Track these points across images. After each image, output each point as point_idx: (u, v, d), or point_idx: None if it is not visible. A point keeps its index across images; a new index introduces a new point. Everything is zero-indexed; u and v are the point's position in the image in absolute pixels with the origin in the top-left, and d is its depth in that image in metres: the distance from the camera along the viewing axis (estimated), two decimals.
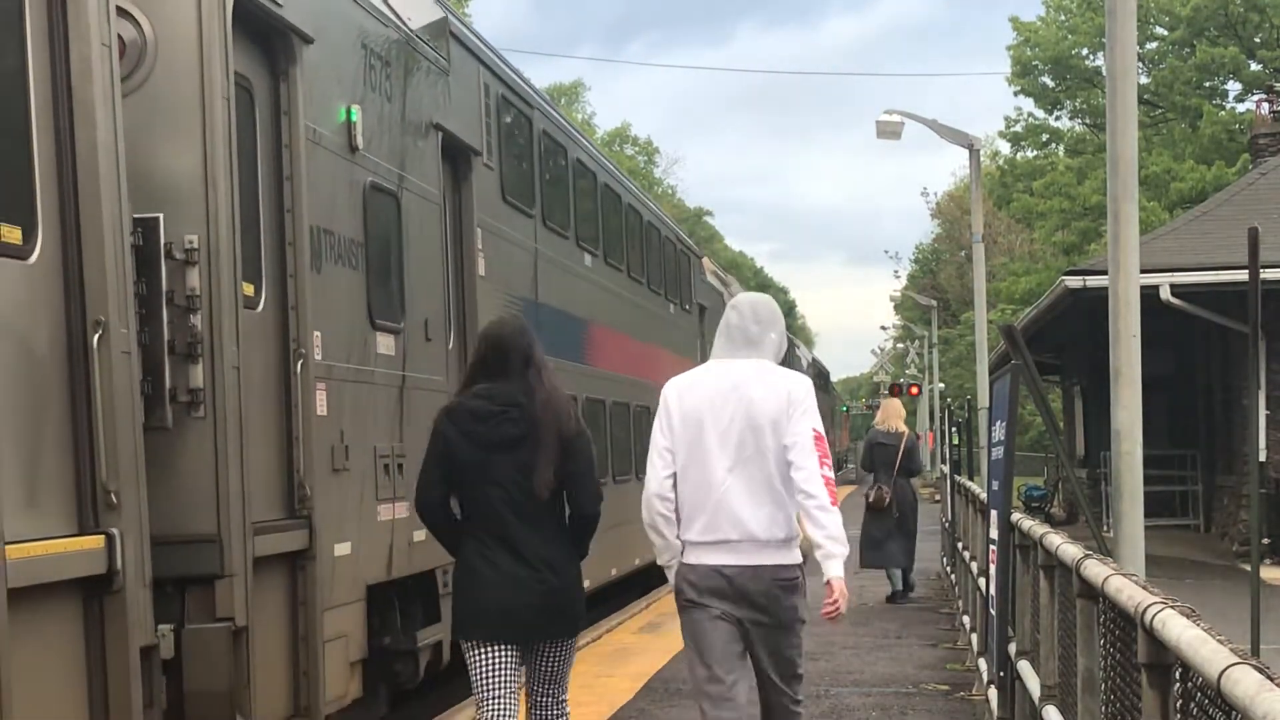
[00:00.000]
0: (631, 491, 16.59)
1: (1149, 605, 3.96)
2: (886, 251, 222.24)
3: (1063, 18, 46.58)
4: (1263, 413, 19.70)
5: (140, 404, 6.50)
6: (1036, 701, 7.03)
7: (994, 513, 8.62)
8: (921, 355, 72.18)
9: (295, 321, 8.13)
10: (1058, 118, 49.07)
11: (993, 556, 8.61)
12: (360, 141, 9.11)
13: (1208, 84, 44.33)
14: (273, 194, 8.08)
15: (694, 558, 6.25)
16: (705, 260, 27.71)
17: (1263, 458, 18.57)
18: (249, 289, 7.70)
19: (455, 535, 6.58)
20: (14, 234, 5.73)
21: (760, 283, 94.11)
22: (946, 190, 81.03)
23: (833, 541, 6.12)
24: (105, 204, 6.15)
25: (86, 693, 6.01)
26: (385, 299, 9.54)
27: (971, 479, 16.26)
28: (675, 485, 6.26)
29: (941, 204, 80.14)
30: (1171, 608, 3.83)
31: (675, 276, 22.51)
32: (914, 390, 58.55)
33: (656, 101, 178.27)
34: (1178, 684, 3.79)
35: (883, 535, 17.06)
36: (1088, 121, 47.36)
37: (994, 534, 8.55)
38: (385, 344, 9.52)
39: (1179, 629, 3.59)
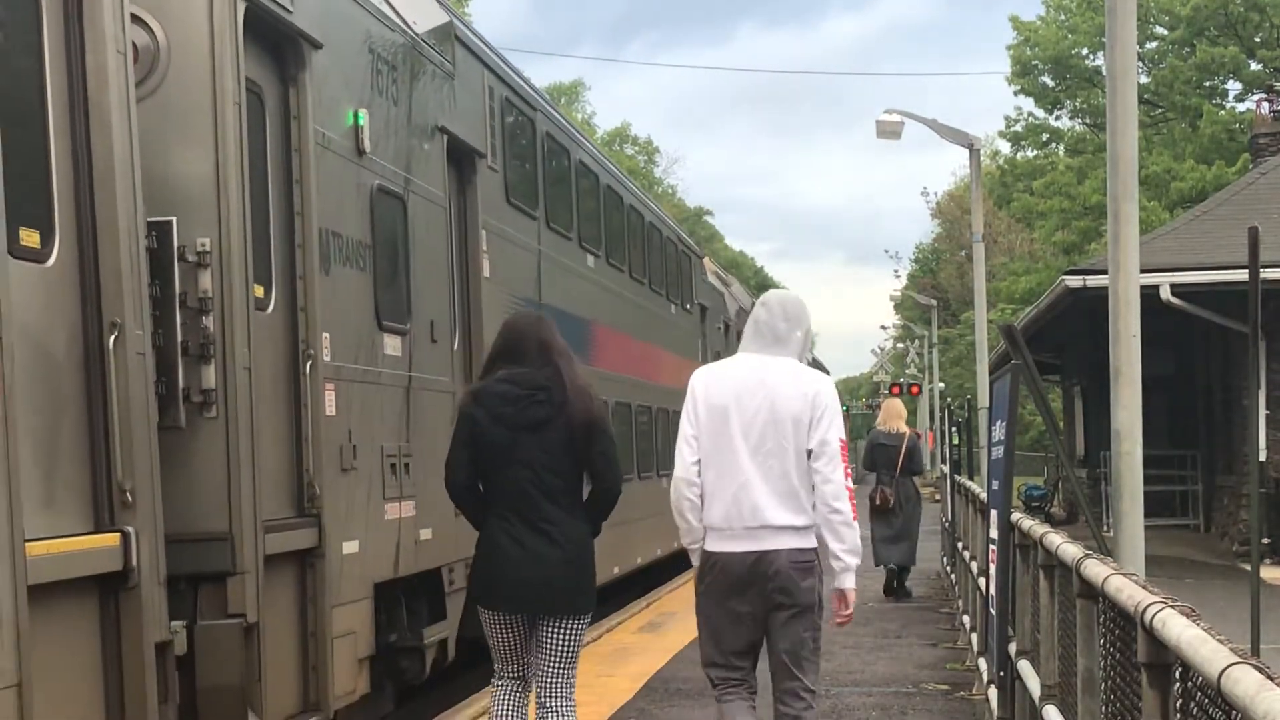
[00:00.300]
0: (634, 491, 16.67)
1: (1149, 605, 3.95)
2: (886, 251, 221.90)
3: (1063, 17, 46.58)
4: (1263, 413, 19.71)
5: (154, 404, 6.60)
6: (1036, 701, 7.01)
7: (994, 512, 8.63)
8: (921, 355, 72.24)
9: (304, 323, 8.23)
10: (1058, 117, 49.09)
11: (993, 556, 8.61)
12: (367, 145, 9.20)
13: (1208, 84, 44.32)
14: (282, 197, 8.18)
15: (715, 544, 6.52)
16: (706, 260, 27.78)
17: (1263, 458, 18.59)
18: (259, 291, 7.79)
19: (482, 513, 6.88)
20: (32, 238, 5.82)
21: (760, 282, 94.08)
22: (946, 190, 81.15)
23: (850, 555, 6.47)
24: (120, 208, 6.25)
25: (103, 688, 6.11)
26: (392, 300, 9.63)
27: (971, 479, 16.28)
28: (700, 472, 6.53)
29: (941, 204, 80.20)
30: (1171, 607, 3.82)
31: (676, 277, 22.58)
32: (914, 390, 58.62)
33: (656, 101, 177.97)
34: (1178, 684, 3.78)
35: (886, 535, 17.28)
36: (1088, 121, 47.36)
37: (994, 534, 8.56)
38: (392, 345, 9.62)
39: (1179, 629, 3.58)
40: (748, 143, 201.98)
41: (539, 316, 7.25)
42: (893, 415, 17.98)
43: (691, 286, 24.01)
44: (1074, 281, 20.35)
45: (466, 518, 7.10)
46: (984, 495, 10.49)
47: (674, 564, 21.06)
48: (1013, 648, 8.09)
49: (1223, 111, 43.58)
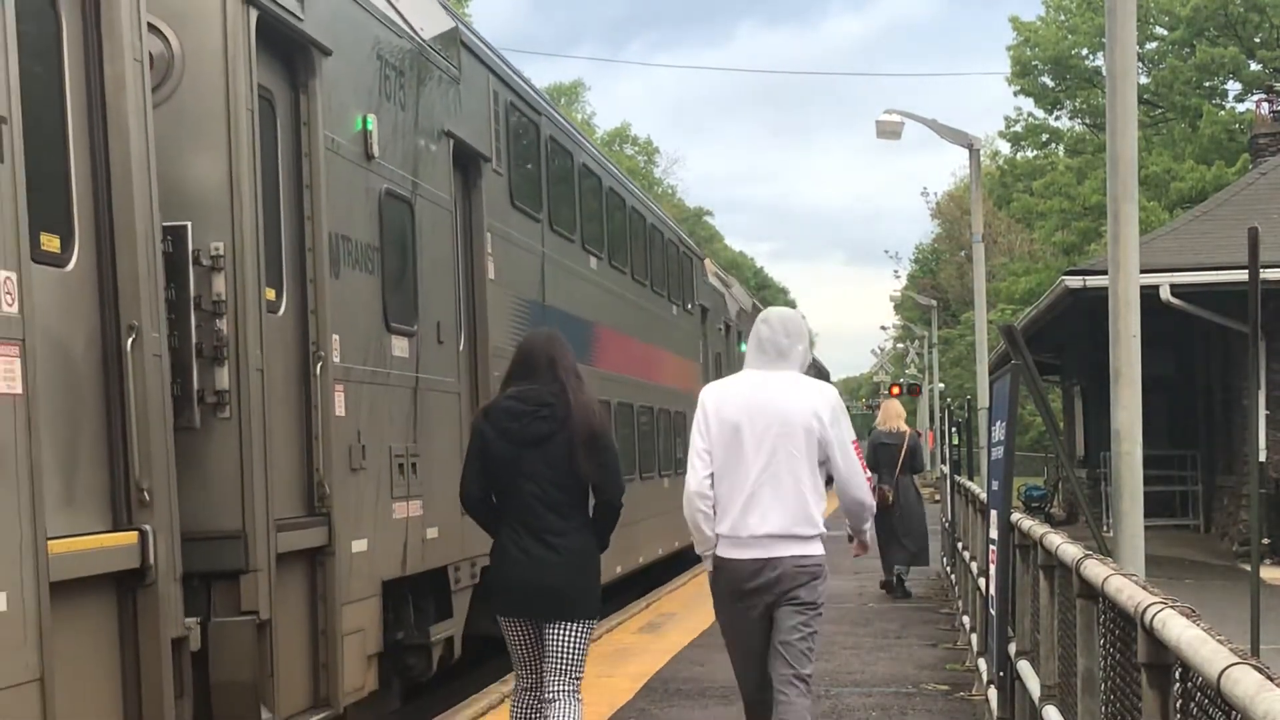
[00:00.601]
0: (636, 491, 16.75)
1: (1149, 605, 3.95)
2: (886, 251, 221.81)
3: (1063, 18, 46.61)
4: (1263, 413, 19.72)
5: (170, 405, 6.72)
6: (1036, 701, 7.01)
7: (994, 513, 8.64)
8: (921, 355, 72.27)
9: (315, 325, 8.36)
10: (1058, 118, 49.12)
11: (993, 556, 8.63)
12: (376, 150, 9.32)
13: (1208, 84, 44.34)
14: (293, 202, 8.29)
15: (727, 551, 6.87)
16: (707, 262, 27.85)
17: (1263, 458, 18.62)
18: (271, 294, 7.91)
19: (495, 523, 7.19)
20: (53, 243, 5.94)
21: (760, 283, 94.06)
22: (946, 190, 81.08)
23: (872, 527, 7.53)
24: (138, 213, 6.37)
25: (121, 682, 6.24)
26: (400, 303, 9.74)
27: (971, 479, 16.32)
28: (713, 484, 6.87)
29: (941, 204, 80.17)
30: (1171, 608, 3.82)
31: (678, 278, 22.67)
32: (915, 391, 58.61)
33: (656, 101, 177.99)
34: (1178, 684, 3.78)
35: (888, 534, 17.39)
36: (1088, 121, 47.39)
37: (994, 534, 8.57)
38: (400, 346, 9.73)
39: (1179, 629, 3.59)
40: (748, 143, 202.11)
41: (550, 335, 7.54)
42: (892, 415, 18.08)
43: (693, 288, 24.10)
44: (1074, 282, 20.34)
45: (482, 528, 7.39)
46: (984, 495, 10.46)
47: (674, 563, 21.17)
48: (1013, 648, 8.09)
49: (1223, 112, 43.60)
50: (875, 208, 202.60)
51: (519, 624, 7.15)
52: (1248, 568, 14.07)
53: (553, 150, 14.78)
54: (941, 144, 28.64)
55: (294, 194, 8.31)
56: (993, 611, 8.69)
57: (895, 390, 50.36)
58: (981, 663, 10.34)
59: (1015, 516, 8.22)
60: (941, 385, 60.78)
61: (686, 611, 16.09)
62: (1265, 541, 19.36)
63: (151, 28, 7.04)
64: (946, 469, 20.78)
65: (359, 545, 8.75)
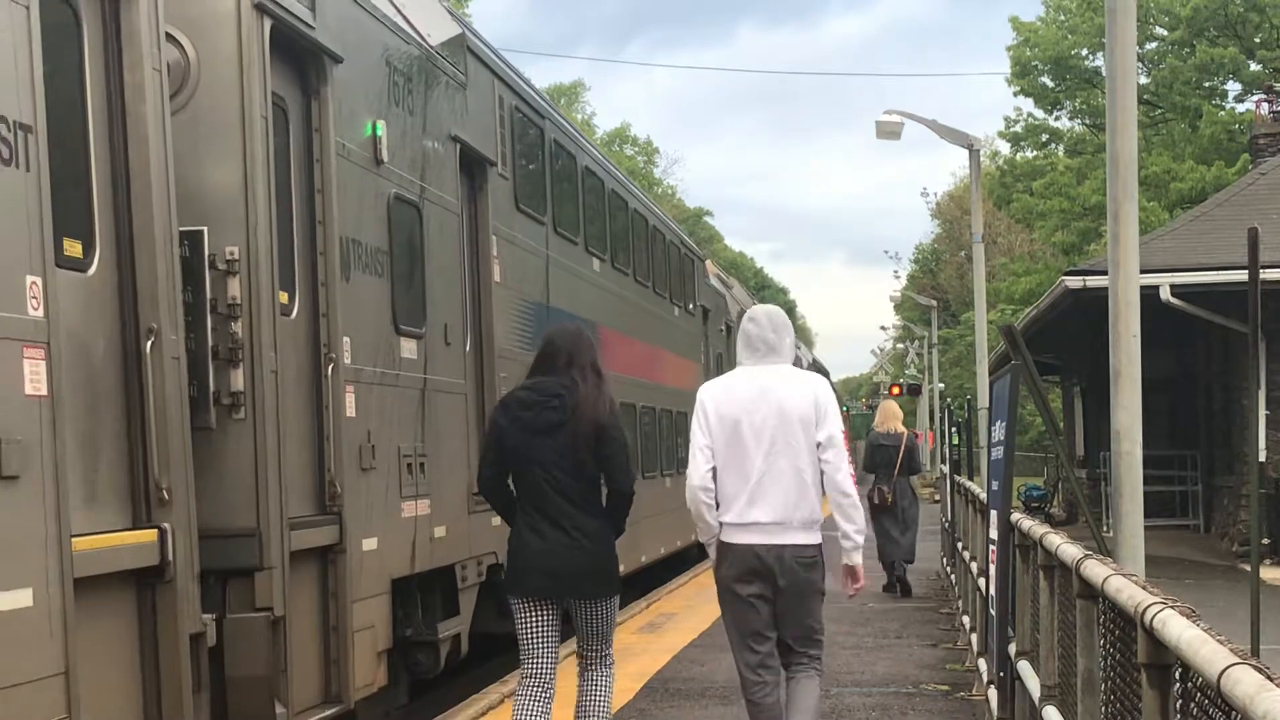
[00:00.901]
0: (639, 490, 16.79)
1: (1149, 605, 3.96)
2: (886, 251, 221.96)
3: (1062, 18, 46.61)
4: (1263, 413, 19.77)
5: (188, 406, 6.86)
6: (1036, 701, 7.02)
7: (994, 513, 8.67)
8: (921, 355, 72.37)
9: (326, 327, 8.49)
10: (1057, 118, 49.08)
11: (993, 556, 8.67)
12: (385, 155, 9.45)
13: (1207, 84, 44.33)
14: (305, 206, 8.43)
15: (730, 538, 7.17)
16: (708, 263, 27.97)
17: (1263, 458, 18.67)
18: (284, 297, 8.04)
19: (510, 509, 7.42)
20: (75, 248, 6.08)
21: (760, 283, 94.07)
22: (946, 190, 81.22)
23: (859, 534, 7.29)
24: (157, 218, 6.51)
25: (140, 676, 6.37)
26: (408, 305, 9.88)
27: (971, 479, 16.35)
28: (715, 477, 7.15)
29: (941, 204, 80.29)
30: (1171, 608, 3.83)
31: (679, 280, 22.78)
32: (915, 391, 58.73)
33: (657, 101, 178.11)
34: (1178, 684, 3.78)
35: (889, 533, 17.57)
36: (1088, 121, 47.40)
37: (994, 534, 8.62)
38: (408, 348, 9.86)
39: (1179, 629, 3.59)
40: (748, 143, 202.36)
41: (575, 331, 7.76)
42: (890, 416, 18.17)
43: (694, 289, 24.21)
44: (1074, 282, 20.36)
45: (498, 513, 7.62)
46: (984, 496, 10.48)
47: (675, 563, 21.28)
48: (1012, 648, 8.10)
49: (1222, 112, 43.59)
50: (875, 208, 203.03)
51: (535, 606, 7.31)
52: (1248, 568, 14.13)
53: (556, 153, 14.90)
54: (941, 144, 28.82)
55: (306, 199, 8.44)
56: (993, 611, 8.73)
57: (895, 390, 50.53)
58: (981, 663, 10.37)
59: (1015, 516, 8.25)
60: (941, 385, 60.84)
61: (687, 611, 16.18)
62: (1265, 541, 19.39)
63: (169, 37, 7.18)
64: (946, 469, 20.86)
65: (369, 543, 8.89)
